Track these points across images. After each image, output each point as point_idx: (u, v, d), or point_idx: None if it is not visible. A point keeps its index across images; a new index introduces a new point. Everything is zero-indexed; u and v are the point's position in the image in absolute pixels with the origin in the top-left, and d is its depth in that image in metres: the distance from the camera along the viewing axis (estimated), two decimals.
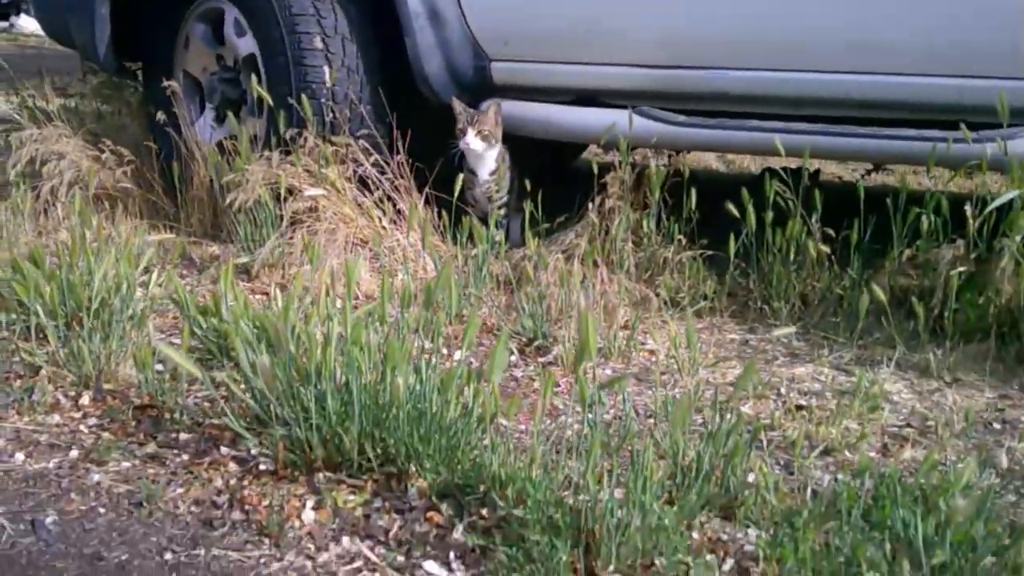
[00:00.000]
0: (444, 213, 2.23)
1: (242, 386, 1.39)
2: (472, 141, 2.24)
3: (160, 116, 2.54)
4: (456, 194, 2.14)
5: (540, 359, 1.79)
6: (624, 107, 2.21)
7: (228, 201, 2.17)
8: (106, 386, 1.54)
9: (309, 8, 2.30)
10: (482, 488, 1.18)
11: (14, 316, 1.72)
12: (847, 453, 1.43)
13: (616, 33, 2.22)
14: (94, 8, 2.59)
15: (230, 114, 2.37)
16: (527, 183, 2.30)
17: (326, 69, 2.29)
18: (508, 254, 2.20)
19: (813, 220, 1.99)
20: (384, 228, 2.30)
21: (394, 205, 2.31)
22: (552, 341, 1.82)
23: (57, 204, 2.46)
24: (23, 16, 11.68)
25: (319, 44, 2.30)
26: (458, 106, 2.26)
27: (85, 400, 1.50)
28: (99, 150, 2.56)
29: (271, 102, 2.26)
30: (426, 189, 2.31)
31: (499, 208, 2.35)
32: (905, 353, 1.79)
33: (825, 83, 2.07)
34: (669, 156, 2.38)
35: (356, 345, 1.24)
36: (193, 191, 2.49)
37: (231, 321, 1.49)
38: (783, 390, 1.67)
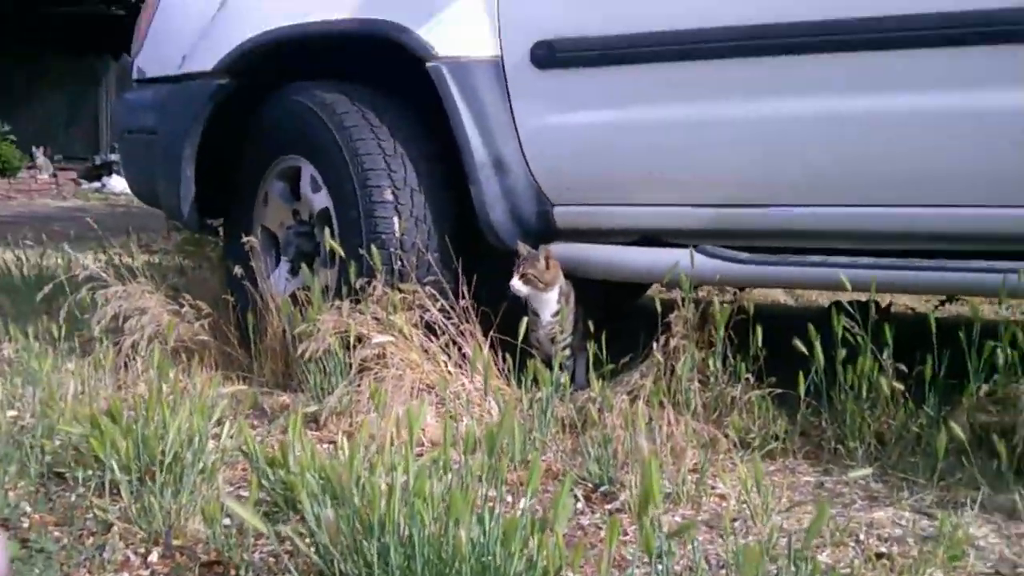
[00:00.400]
0: (509, 357, 2.25)
1: (307, 540, 1.39)
2: (516, 284, 2.29)
3: (238, 270, 2.66)
4: (521, 337, 2.16)
5: (607, 506, 1.76)
6: (686, 246, 2.23)
7: (300, 351, 2.23)
8: (175, 542, 1.55)
9: (381, 163, 2.41)
10: None
11: (90, 472, 1.77)
12: None
13: (677, 175, 2.27)
14: (180, 171, 2.77)
15: (304, 265, 2.46)
16: (591, 324, 2.32)
17: (396, 220, 2.38)
18: (573, 396, 2.19)
19: (884, 356, 1.95)
20: (450, 372, 2.32)
21: (460, 349, 2.34)
22: (619, 487, 1.79)
23: (137, 358, 2.56)
24: (114, 176, 12.50)
25: (389, 197, 2.40)
26: (522, 250, 2.32)
27: (154, 557, 1.51)
28: (179, 304, 2.67)
29: (343, 253, 2.34)
30: (491, 333, 2.34)
31: (563, 349, 2.36)
32: (990, 494, 1.70)
33: (891, 217, 2.07)
34: (734, 292, 2.39)
35: (419, 496, 1.24)
36: (267, 341, 2.56)
37: (297, 472, 1.51)
38: (862, 536, 1.59)
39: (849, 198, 2.12)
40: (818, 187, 2.14)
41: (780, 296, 3.89)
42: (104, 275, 2.77)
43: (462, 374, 2.32)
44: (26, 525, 1.63)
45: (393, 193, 2.41)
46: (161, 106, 2.88)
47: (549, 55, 2.35)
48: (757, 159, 2.17)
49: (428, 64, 2.39)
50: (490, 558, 1.22)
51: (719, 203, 2.25)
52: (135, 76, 3.05)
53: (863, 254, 2.10)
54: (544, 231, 2.45)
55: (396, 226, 2.39)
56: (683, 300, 2.19)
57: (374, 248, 2.32)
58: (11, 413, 2.21)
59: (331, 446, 2.10)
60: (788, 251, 2.19)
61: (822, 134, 2.08)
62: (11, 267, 4.09)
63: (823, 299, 3.70)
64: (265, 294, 2.61)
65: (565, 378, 2.18)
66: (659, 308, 2.19)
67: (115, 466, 1.68)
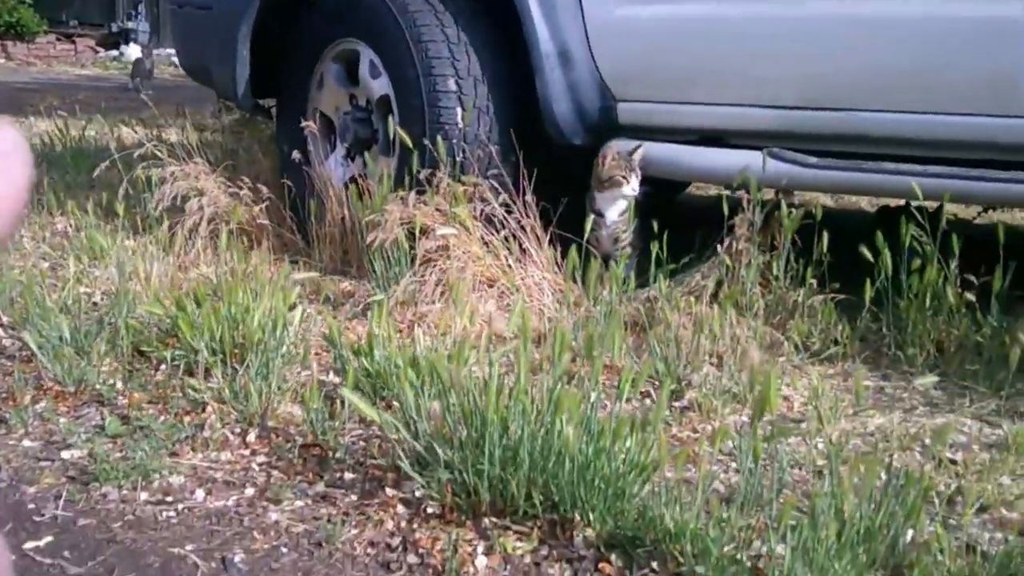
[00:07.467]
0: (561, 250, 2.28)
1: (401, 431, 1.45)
2: (637, 188, 2.29)
3: (295, 155, 2.65)
4: (586, 235, 2.18)
5: (675, 404, 1.81)
6: (750, 147, 2.22)
7: (368, 240, 2.25)
8: (269, 423, 1.61)
9: (444, 52, 2.38)
10: (649, 540, 1.21)
11: (178, 352, 1.82)
12: (1003, 511, 1.42)
13: (747, 74, 2.24)
14: (236, 50, 2.73)
15: (368, 156, 2.46)
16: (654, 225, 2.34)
17: (459, 111, 2.36)
18: (636, 295, 2.22)
19: (952, 266, 1.97)
20: (510, 267, 2.35)
21: (520, 244, 2.37)
22: (686, 385, 1.84)
23: (196, 238, 2.59)
24: (132, 45, 12.35)
25: (453, 86, 2.37)
26: (611, 152, 2.30)
27: (252, 437, 1.58)
28: (236, 186, 2.68)
29: (410, 143, 2.33)
30: (551, 228, 2.35)
31: (623, 248, 2.38)
32: None
33: (965, 126, 2.05)
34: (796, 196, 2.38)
35: (524, 396, 1.28)
36: (326, 227, 2.58)
37: (392, 364, 1.56)
38: (927, 442, 1.65)
39: (923, 105, 2.09)
40: (892, 92, 2.11)
41: (823, 199, 3.88)
42: (159, 153, 2.77)
43: (521, 268, 2.35)
44: (121, 402, 1.69)
45: (456, 83, 2.39)
46: None
47: None
48: (828, 61, 2.14)
49: None
50: (592, 456, 1.27)
51: (787, 105, 2.22)
52: None
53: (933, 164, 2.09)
54: (607, 127, 2.43)
55: (459, 116, 2.37)
56: (748, 203, 2.19)
57: (439, 139, 2.32)
58: (83, 289, 2.26)
59: (398, 335, 2.16)
60: (854, 157, 2.18)
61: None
62: (52, 139, 4.08)
63: (867, 205, 3.70)
64: (323, 179, 2.61)
65: (631, 277, 2.20)
66: (726, 210, 2.19)
67: (204, 348, 1.73)
